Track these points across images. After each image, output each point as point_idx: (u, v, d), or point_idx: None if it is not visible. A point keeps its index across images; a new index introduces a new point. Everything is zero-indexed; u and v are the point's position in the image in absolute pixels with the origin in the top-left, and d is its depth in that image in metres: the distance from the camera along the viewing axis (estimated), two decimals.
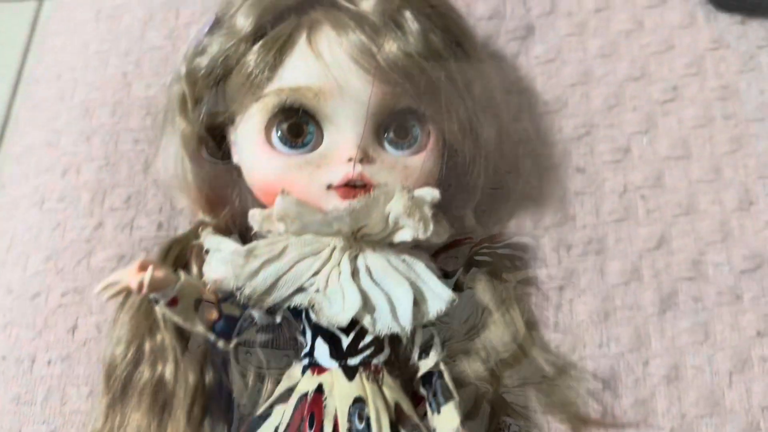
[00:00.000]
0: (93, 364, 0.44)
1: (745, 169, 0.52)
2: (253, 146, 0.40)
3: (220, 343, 0.38)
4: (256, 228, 0.40)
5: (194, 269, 0.42)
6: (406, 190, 0.39)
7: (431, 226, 0.39)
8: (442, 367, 0.40)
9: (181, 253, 0.43)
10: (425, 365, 0.40)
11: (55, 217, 0.48)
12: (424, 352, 0.40)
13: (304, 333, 0.40)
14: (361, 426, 0.36)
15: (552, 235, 0.49)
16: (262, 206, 0.41)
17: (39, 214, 0.49)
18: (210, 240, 0.41)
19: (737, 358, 0.46)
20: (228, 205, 0.44)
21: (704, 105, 0.54)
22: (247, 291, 0.37)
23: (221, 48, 0.41)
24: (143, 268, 0.35)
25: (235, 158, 0.43)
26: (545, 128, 0.52)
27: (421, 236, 0.38)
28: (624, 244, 0.49)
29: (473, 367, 0.41)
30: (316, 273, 0.38)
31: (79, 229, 0.48)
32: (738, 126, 0.53)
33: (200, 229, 0.43)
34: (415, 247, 0.41)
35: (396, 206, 0.38)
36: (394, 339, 0.40)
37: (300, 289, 0.38)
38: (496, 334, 0.42)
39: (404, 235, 0.39)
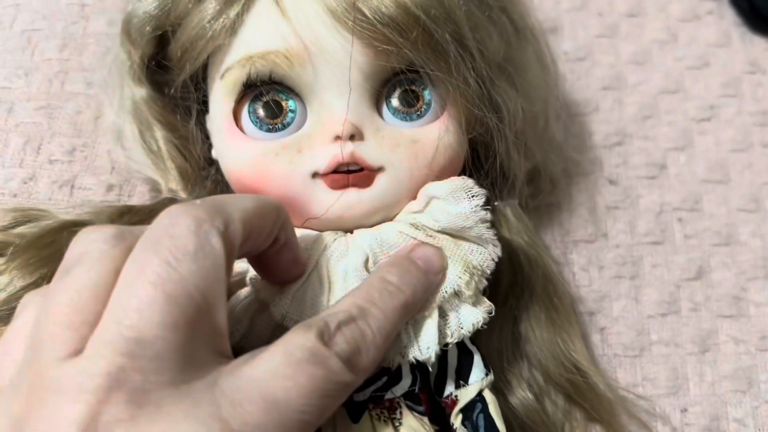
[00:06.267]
0: None
1: None
2: (221, 133, 0.32)
3: None
4: None
5: None
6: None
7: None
8: (487, 396, 0.30)
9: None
10: (465, 395, 0.30)
11: None
12: (462, 378, 0.31)
13: None
14: None
15: (581, 251, 0.42)
16: None
17: None
18: None
19: None
20: (204, 185, 0.36)
21: (742, 129, 0.48)
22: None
23: None
24: None
25: (213, 152, 0.35)
26: (575, 131, 0.46)
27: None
28: (660, 271, 0.42)
29: (519, 396, 0.33)
30: None
31: (3, 180, 0.37)
32: None
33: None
34: None
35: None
36: (420, 363, 0.30)
37: None
38: (546, 349, 0.34)
39: None
